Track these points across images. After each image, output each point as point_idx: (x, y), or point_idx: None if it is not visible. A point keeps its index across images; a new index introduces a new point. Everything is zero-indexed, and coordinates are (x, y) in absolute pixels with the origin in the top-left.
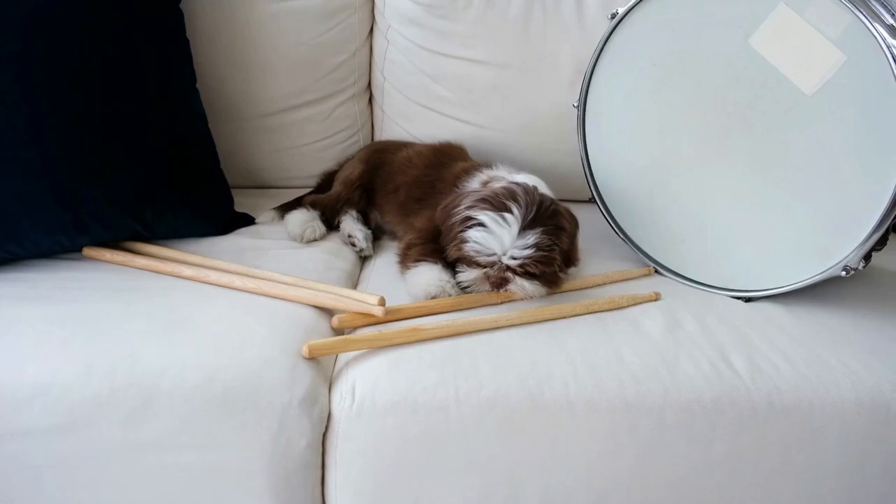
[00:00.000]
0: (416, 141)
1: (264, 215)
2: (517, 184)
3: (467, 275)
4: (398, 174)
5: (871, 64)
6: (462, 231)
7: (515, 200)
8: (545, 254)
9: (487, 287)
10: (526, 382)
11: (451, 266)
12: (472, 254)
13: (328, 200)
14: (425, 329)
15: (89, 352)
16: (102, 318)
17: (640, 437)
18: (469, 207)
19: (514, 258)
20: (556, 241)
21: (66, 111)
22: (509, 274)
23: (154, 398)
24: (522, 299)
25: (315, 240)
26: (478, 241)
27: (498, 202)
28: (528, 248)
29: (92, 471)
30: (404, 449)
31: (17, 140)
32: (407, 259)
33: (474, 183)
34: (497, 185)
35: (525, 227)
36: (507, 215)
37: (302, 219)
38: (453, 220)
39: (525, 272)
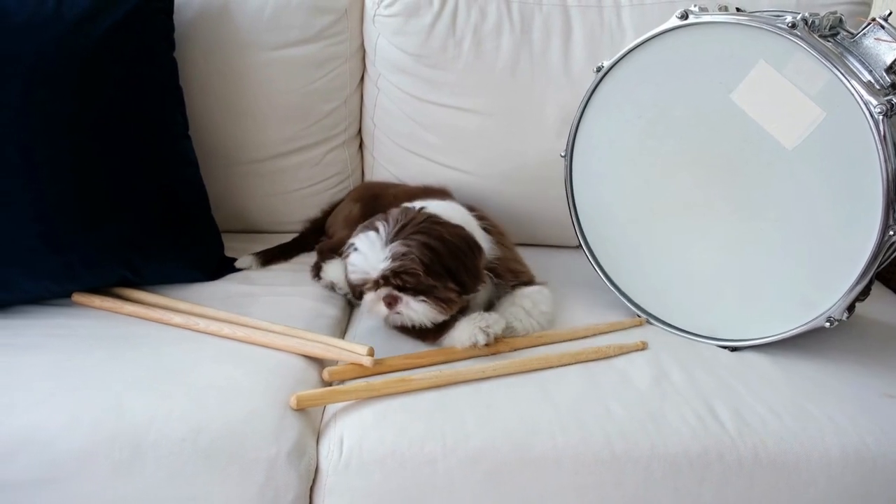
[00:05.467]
0: None
1: (243, 260)
2: (407, 207)
3: (366, 298)
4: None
5: (850, 120)
6: (346, 258)
7: (386, 220)
8: (401, 262)
9: (383, 308)
10: (513, 435)
11: None
12: (353, 277)
13: (339, 244)
14: (413, 380)
15: (75, 402)
16: (89, 367)
17: (628, 491)
18: (354, 237)
19: (376, 269)
20: (415, 251)
21: (62, 159)
22: (396, 293)
23: (140, 450)
24: (511, 350)
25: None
26: (353, 263)
27: (371, 224)
28: (386, 259)
29: None
30: (392, 503)
31: (13, 187)
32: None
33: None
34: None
35: (388, 242)
36: (371, 233)
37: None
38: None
39: (409, 289)
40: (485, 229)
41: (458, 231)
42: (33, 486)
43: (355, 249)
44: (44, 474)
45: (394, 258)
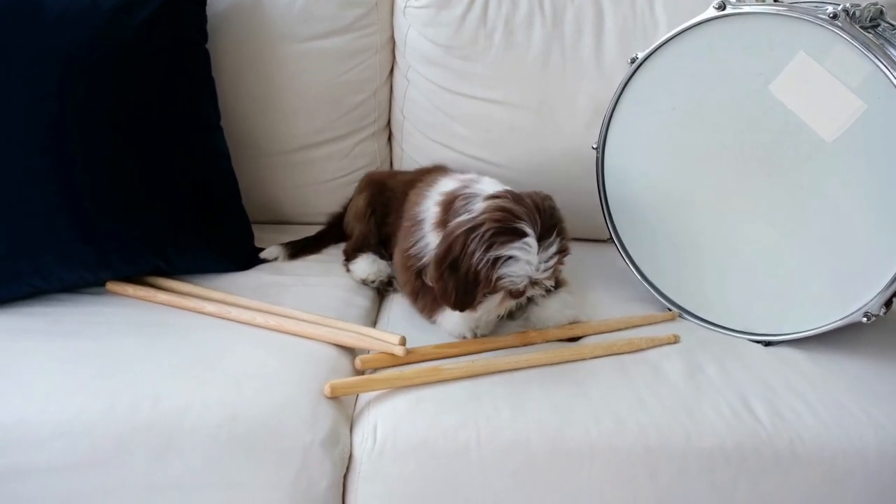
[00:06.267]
0: None
1: (270, 250)
2: (500, 197)
3: (490, 302)
4: (393, 200)
5: (892, 112)
6: (493, 273)
7: (521, 219)
8: (564, 253)
9: (510, 301)
10: (547, 426)
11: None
12: (511, 286)
13: (363, 239)
14: (446, 369)
15: (112, 389)
16: (125, 355)
17: (662, 484)
18: (487, 248)
19: (545, 271)
20: (566, 235)
21: (96, 149)
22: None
23: (177, 437)
24: (543, 341)
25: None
26: (513, 274)
27: (511, 228)
28: (552, 257)
29: None
30: (425, 492)
31: (46, 176)
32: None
33: (431, 204)
34: (475, 206)
35: (541, 238)
36: (527, 240)
37: (366, 263)
38: (475, 268)
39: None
40: None
41: (535, 193)
42: (70, 472)
43: (509, 258)
44: (81, 460)
45: (561, 251)
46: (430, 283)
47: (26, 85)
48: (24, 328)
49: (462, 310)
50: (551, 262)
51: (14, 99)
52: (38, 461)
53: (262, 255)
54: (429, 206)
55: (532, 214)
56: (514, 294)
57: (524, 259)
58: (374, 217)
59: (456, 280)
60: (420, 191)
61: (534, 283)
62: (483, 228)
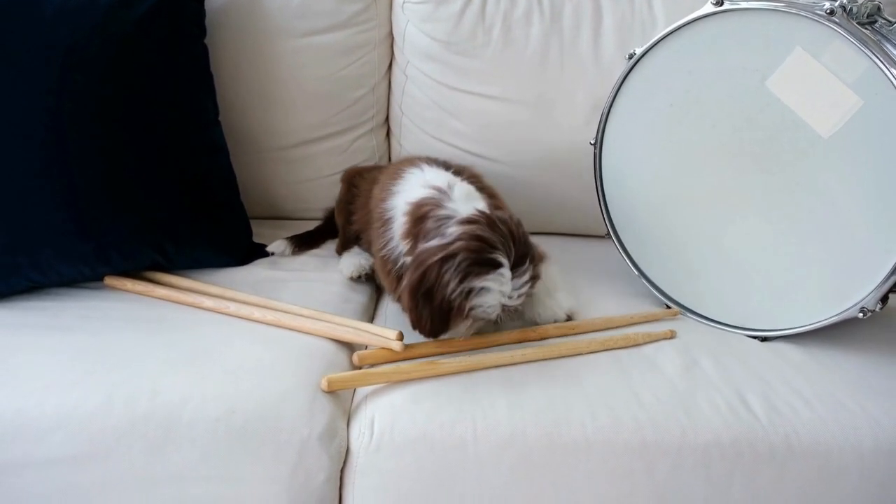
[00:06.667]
0: None
1: (275, 244)
2: (474, 222)
3: (461, 327)
4: (358, 197)
5: (888, 108)
6: (466, 303)
7: (496, 248)
8: (534, 277)
9: (481, 323)
10: (543, 421)
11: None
12: (483, 315)
13: (344, 237)
14: (443, 364)
15: (110, 382)
16: (124, 349)
17: (658, 479)
18: (462, 280)
19: (518, 297)
20: (535, 261)
21: (93, 144)
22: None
23: (174, 430)
24: (541, 339)
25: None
26: (486, 304)
27: (486, 259)
28: (524, 284)
29: (111, 502)
30: (421, 486)
31: (44, 171)
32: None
33: (397, 204)
34: (448, 230)
35: (514, 266)
36: (502, 270)
37: (349, 260)
38: (449, 298)
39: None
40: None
41: (509, 216)
42: (69, 464)
43: (481, 290)
44: (79, 452)
45: (533, 278)
46: (403, 311)
47: (25, 80)
48: (22, 322)
49: (435, 337)
50: (523, 290)
51: (12, 94)
52: (37, 454)
53: (269, 248)
54: (395, 204)
55: (507, 243)
56: (486, 321)
57: (498, 290)
58: (345, 212)
59: (430, 309)
60: (384, 185)
61: (505, 309)
62: (458, 259)
